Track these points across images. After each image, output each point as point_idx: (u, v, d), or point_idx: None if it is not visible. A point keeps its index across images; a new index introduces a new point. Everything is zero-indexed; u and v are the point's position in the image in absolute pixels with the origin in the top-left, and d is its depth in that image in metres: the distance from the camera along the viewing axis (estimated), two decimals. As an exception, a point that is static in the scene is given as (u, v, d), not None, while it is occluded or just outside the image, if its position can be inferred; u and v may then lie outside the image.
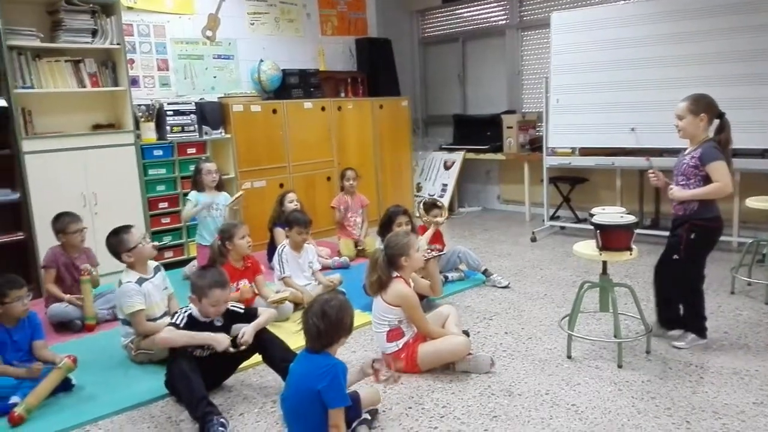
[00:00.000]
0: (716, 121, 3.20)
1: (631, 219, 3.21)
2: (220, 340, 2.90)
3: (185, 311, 2.99)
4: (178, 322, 2.93)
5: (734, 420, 2.62)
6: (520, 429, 2.65)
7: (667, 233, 3.50)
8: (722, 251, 3.32)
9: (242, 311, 3.12)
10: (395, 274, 3.23)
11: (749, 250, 4.27)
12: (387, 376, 2.76)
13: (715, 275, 3.34)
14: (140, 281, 3.44)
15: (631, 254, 3.18)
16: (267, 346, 3.04)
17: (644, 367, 3.16)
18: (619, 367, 3.16)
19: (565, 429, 2.63)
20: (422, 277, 3.51)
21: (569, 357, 3.31)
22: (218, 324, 3.02)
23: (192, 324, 2.95)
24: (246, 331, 2.96)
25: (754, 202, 4.07)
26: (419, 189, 7.58)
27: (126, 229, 3.48)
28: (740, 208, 4.93)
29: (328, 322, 2.37)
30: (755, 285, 4.16)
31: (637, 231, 3.46)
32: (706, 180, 3.16)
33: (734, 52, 4.85)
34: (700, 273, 3.32)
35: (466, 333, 3.42)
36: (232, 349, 2.93)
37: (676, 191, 3.24)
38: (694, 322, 3.38)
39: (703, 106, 3.17)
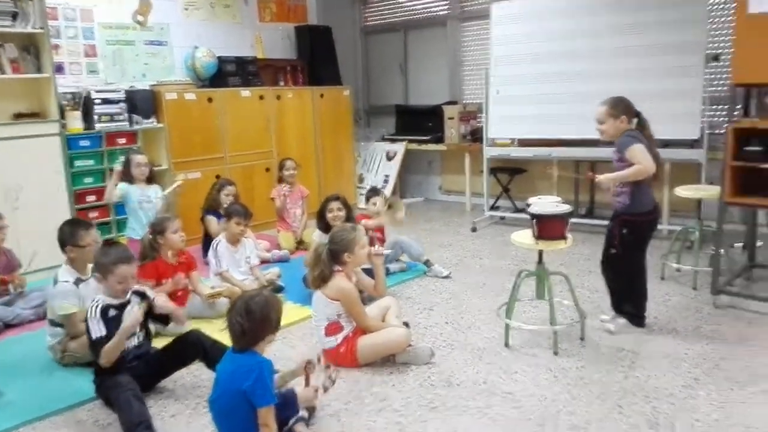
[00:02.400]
0: (635, 120, 3.30)
1: (566, 208, 3.26)
2: (135, 317, 2.78)
3: (95, 309, 2.81)
4: (101, 334, 2.77)
5: (664, 403, 2.70)
6: (457, 419, 2.65)
7: (602, 222, 3.58)
8: (653, 239, 3.41)
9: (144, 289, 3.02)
10: (337, 268, 3.18)
11: (678, 238, 4.41)
12: (322, 380, 2.67)
13: (646, 262, 3.44)
14: (77, 282, 3.29)
15: (566, 243, 3.23)
16: (206, 349, 2.94)
17: (579, 353, 3.23)
18: (555, 354, 3.21)
19: (502, 418, 2.65)
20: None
21: (507, 345, 3.34)
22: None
23: (107, 316, 2.81)
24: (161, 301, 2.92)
25: (683, 191, 4.20)
26: (361, 180, 7.52)
27: (86, 225, 3.42)
28: (670, 197, 5.10)
29: (252, 320, 2.29)
30: (684, 271, 4.30)
31: (572, 220, 3.50)
32: None
33: (664, 44, 4.98)
34: (637, 266, 3.39)
35: (407, 324, 3.41)
36: (143, 308, 2.85)
37: (602, 177, 3.29)
38: (631, 312, 3.47)
39: (622, 108, 3.27)
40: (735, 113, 3.70)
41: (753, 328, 3.44)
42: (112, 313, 2.83)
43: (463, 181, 6.91)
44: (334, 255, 3.17)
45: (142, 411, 2.64)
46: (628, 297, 3.48)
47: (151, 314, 2.97)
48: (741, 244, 4.64)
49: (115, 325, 2.77)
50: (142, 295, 2.97)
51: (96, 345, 2.77)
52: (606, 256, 3.46)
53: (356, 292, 3.19)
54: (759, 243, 4.34)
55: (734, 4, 3.54)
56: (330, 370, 2.70)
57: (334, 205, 4.26)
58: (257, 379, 2.26)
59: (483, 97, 6.16)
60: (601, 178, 3.31)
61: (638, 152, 3.16)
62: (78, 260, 3.34)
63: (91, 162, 5.16)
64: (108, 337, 2.75)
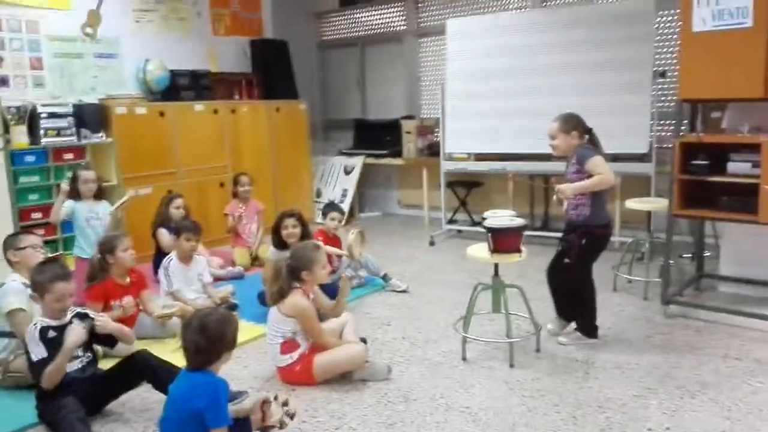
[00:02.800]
0: (586, 137, 3.34)
1: (520, 222, 3.29)
2: (78, 334, 2.69)
3: (34, 331, 2.71)
4: (42, 356, 2.66)
5: (617, 413, 2.73)
6: (414, 436, 2.62)
7: (556, 234, 3.61)
8: (605, 251, 3.48)
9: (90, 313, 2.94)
10: (295, 285, 3.13)
11: (629, 249, 4.51)
12: (279, 416, 2.58)
13: (598, 273, 3.48)
14: (26, 285, 3.15)
15: (521, 256, 3.26)
16: (155, 370, 2.84)
17: (534, 365, 3.24)
18: (511, 366, 3.22)
19: (459, 433, 2.63)
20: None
21: (464, 359, 3.33)
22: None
23: (47, 337, 2.70)
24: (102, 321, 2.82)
25: (633, 204, 4.30)
26: (319, 194, 7.47)
27: (24, 230, 3.46)
28: (621, 210, 5.21)
29: (207, 338, 2.22)
30: (635, 282, 4.39)
31: (527, 233, 3.54)
32: None
33: (614, 61, 5.11)
34: (588, 277, 3.43)
35: (364, 341, 3.37)
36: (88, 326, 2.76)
37: (564, 187, 3.30)
38: (584, 324, 3.49)
39: (573, 124, 3.32)
40: (682, 128, 3.80)
41: (702, 336, 3.52)
42: (51, 334, 2.72)
43: (421, 195, 6.94)
44: (293, 271, 3.13)
45: None
46: (580, 311, 3.50)
47: (95, 336, 2.85)
48: (689, 255, 4.77)
49: (55, 347, 2.66)
50: (83, 317, 2.86)
51: (36, 367, 2.66)
52: (556, 265, 3.49)
53: (313, 309, 3.15)
54: (707, 253, 4.47)
55: (680, 23, 3.65)
56: (288, 407, 2.60)
57: (289, 222, 4.20)
58: (213, 400, 2.19)
59: (440, 112, 6.21)
60: (562, 187, 3.31)
61: (600, 163, 3.20)
62: (22, 265, 3.27)
63: (36, 178, 4.98)
64: (49, 359, 2.64)
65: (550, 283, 3.58)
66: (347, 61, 7.98)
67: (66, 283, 2.76)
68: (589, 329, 3.48)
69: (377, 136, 7.35)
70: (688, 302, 3.98)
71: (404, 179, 7.53)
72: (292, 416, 2.59)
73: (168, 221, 4.84)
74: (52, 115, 5.09)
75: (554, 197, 3.48)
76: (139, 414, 2.89)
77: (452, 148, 6.14)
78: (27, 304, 3.14)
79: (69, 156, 5.15)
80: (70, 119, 5.17)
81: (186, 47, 6.49)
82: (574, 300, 3.50)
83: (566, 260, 3.38)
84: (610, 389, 2.94)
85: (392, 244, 6.10)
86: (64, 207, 4.51)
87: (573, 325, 3.54)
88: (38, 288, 2.75)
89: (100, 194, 4.69)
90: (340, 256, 4.52)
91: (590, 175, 3.22)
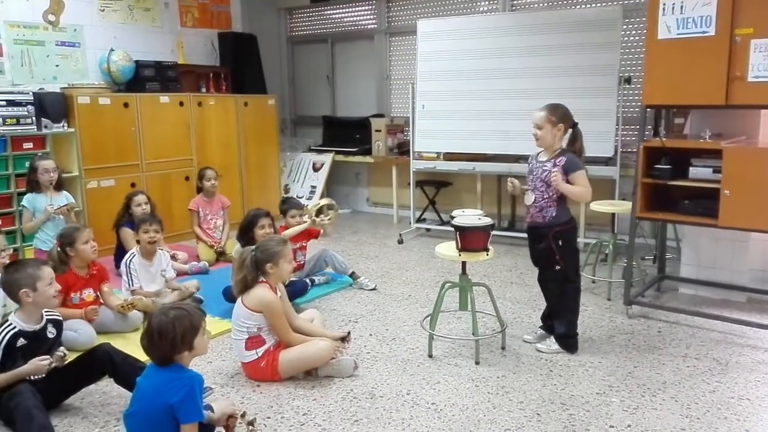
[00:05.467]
0: (570, 131, 3.30)
1: (487, 221, 3.31)
2: (39, 368, 2.62)
3: (5, 334, 2.64)
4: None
5: (580, 410, 2.77)
6: (381, 431, 2.62)
7: (522, 235, 3.60)
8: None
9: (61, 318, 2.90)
10: (261, 278, 3.09)
11: (593, 250, 4.59)
12: None
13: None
14: None
15: (488, 254, 3.27)
16: (116, 364, 2.77)
17: (500, 362, 3.27)
18: (477, 363, 3.24)
19: (425, 428, 2.63)
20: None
21: (430, 356, 3.34)
22: (51, 336, 2.76)
23: (15, 346, 2.63)
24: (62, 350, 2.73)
25: (598, 206, 4.37)
26: (287, 191, 7.41)
27: None
28: (586, 212, 5.31)
29: (166, 334, 2.17)
30: (599, 282, 4.47)
31: (494, 233, 3.56)
32: None
33: (582, 66, 5.19)
34: (578, 281, 3.38)
35: (349, 334, 3.26)
36: (56, 364, 2.66)
37: (557, 180, 3.18)
38: (565, 339, 3.36)
39: (560, 116, 3.24)
40: (646, 133, 3.88)
41: (663, 336, 3.60)
42: (20, 342, 2.65)
43: (390, 194, 6.94)
44: (258, 263, 3.09)
45: (45, 424, 2.46)
46: (563, 317, 3.36)
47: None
48: (652, 257, 4.88)
49: (20, 356, 2.62)
50: (58, 325, 2.83)
51: None
52: (547, 275, 3.39)
53: (279, 304, 3.11)
54: (668, 256, 4.58)
55: (645, 31, 3.73)
56: (253, 427, 2.55)
57: (266, 221, 4.14)
58: (187, 395, 2.15)
59: (410, 111, 6.23)
60: (559, 183, 3.18)
61: (585, 178, 3.23)
62: None
63: (-7, 167, 4.82)
64: (0, 369, 2.58)
65: (545, 293, 3.47)
66: (317, 58, 7.93)
67: (47, 266, 2.78)
68: (569, 342, 3.36)
69: (347, 134, 7.33)
70: (650, 303, 4.07)
71: (373, 177, 7.52)
72: None
73: (130, 219, 4.70)
74: (11, 103, 4.93)
75: (509, 186, 3.44)
76: (99, 408, 2.83)
77: (422, 147, 6.16)
78: None
79: (28, 145, 4.99)
80: (30, 108, 5.01)
81: (152, 38, 6.37)
82: (564, 309, 3.36)
83: (557, 267, 3.28)
84: (573, 387, 2.98)
85: (361, 241, 6.08)
86: (25, 208, 4.44)
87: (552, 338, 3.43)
88: (26, 282, 2.67)
89: (60, 185, 4.57)
90: (304, 248, 4.49)
91: (568, 182, 3.20)
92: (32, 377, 2.63)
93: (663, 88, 3.64)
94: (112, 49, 5.80)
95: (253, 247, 3.19)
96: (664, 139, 3.81)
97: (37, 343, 2.70)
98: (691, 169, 3.60)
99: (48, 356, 2.65)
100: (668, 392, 2.92)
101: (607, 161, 5.28)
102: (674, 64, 3.56)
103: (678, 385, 2.99)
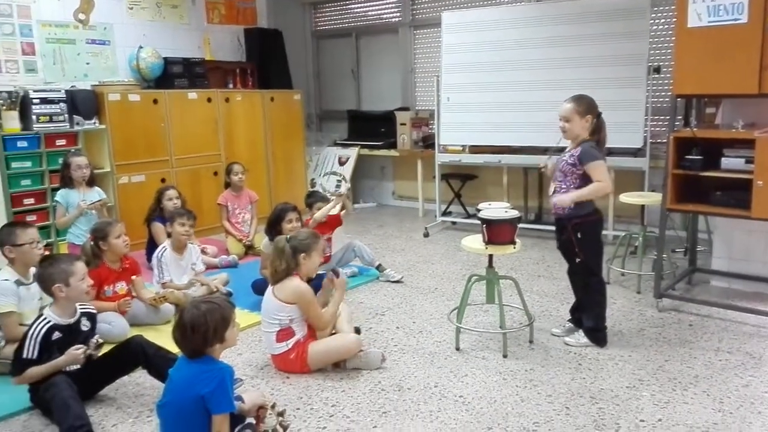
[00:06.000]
0: (594, 121, 3.20)
1: (514, 214, 3.29)
2: (75, 357, 2.69)
3: (38, 328, 2.70)
4: (31, 357, 2.66)
5: (609, 404, 2.75)
6: (408, 423, 2.63)
7: (550, 228, 3.58)
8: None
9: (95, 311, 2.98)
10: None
11: (622, 243, 4.53)
12: (273, 425, 2.57)
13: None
14: (18, 283, 3.15)
15: (514, 248, 3.26)
16: (149, 356, 2.83)
17: (528, 356, 3.26)
18: (504, 357, 3.23)
19: (453, 421, 2.64)
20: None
21: (458, 349, 3.34)
22: (85, 329, 2.83)
23: (51, 339, 2.69)
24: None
25: (627, 198, 4.32)
26: (313, 185, 7.44)
27: (23, 225, 3.34)
28: (614, 204, 5.24)
29: (198, 327, 2.21)
30: (628, 275, 4.42)
31: (521, 225, 3.53)
32: (583, 178, 3.16)
33: (609, 56, 5.12)
34: (601, 271, 3.34)
35: (358, 330, 3.38)
36: (91, 352, 2.74)
37: (558, 198, 3.20)
38: (594, 332, 3.33)
39: (587, 107, 3.18)
40: (676, 123, 3.82)
41: (694, 330, 3.55)
42: (56, 336, 2.72)
43: (415, 187, 6.94)
44: (294, 251, 3.12)
45: (81, 414, 2.52)
46: (590, 310, 3.33)
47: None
48: (682, 249, 4.81)
49: (56, 349, 2.68)
50: (92, 318, 2.89)
51: (21, 363, 2.67)
52: (573, 268, 3.36)
53: (312, 292, 3.14)
54: (699, 248, 4.51)
55: (674, 19, 3.66)
56: (282, 417, 2.59)
57: (293, 215, 4.18)
58: (219, 386, 2.19)
59: (434, 104, 6.21)
60: (559, 201, 3.19)
61: (601, 170, 3.10)
62: (18, 261, 3.21)
63: (28, 164, 4.93)
64: (36, 363, 2.65)
65: (573, 286, 3.45)
66: (342, 52, 7.95)
67: (80, 261, 2.83)
68: (598, 336, 3.33)
69: (372, 127, 7.34)
70: (680, 296, 4.01)
71: (399, 171, 7.52)
72: (285, 428, 2.56)
73: (163, 214, 4.79)
74: (45, 101, 5.04)
75: (543, 167, 3.43)
76: (132, 399, 2.89)
77: (447, 141, 6.14)
78: (18, 305, 3.13)
79: (62, 142, 5.10)
80: (63, 105, 5.13)
81: (180, 35, 6.45)
82: (591, 302, 3.33)
83: (577, 260, 3.26)
84: (602, 380, 2.96)
85: (387, 235, 6.10)
86: (59, 203, 4.54)
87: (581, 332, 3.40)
88: (60, 276, 2.72)
89: (92, 181, 4.67)
90: (330, 240, 4.54)
91: (584, 173, 3.14)
92: (68, 368, 2.70)
93: (694, 78, 3.58)
94: (141, 47, 5.89)
95: (288, 236, 3.23)
96: (695, 129, 3.74)
97: (72, 336, 2.77)
98: (723, 159, 3.53)
99: (83, 345, 2.72)
100: (700, 386, 2.89)
101: (636, 152, 5.21)
102: (705, 53, 3.49)
103: (710, 379, 2.95)
